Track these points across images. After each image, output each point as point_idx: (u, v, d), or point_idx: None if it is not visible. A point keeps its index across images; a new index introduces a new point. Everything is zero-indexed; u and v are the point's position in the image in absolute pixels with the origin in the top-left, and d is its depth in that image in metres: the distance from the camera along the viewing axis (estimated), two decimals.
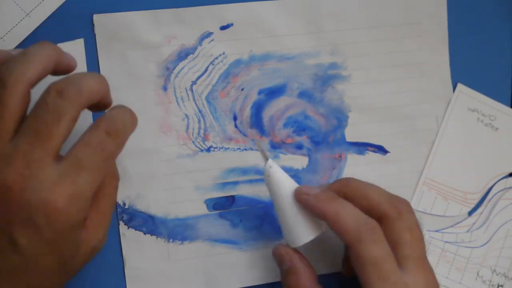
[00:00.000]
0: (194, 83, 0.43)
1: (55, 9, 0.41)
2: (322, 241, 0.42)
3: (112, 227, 0.41)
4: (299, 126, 0.44)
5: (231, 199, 0.43)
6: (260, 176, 0.43)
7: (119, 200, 0.41)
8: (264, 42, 0.43)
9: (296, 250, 0.38)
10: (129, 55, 0.42)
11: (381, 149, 0.45)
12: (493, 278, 0.45)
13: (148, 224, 0.42)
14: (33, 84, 0.32)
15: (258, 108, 0.43)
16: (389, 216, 0.36)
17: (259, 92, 0.43)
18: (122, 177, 0.40)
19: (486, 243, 0.45)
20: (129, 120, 0.35)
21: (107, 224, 0.35)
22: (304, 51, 0.44)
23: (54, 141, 0.30)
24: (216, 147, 0.43)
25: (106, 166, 0.33)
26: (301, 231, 0.37)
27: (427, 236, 0.44)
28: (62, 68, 0.34)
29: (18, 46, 0.40)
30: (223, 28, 0.43)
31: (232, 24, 0.43)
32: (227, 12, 0.43)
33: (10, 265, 0.30)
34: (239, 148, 0.43)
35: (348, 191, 0.38)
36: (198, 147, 0.43)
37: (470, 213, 0.45)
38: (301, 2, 0.44)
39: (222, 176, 0.43)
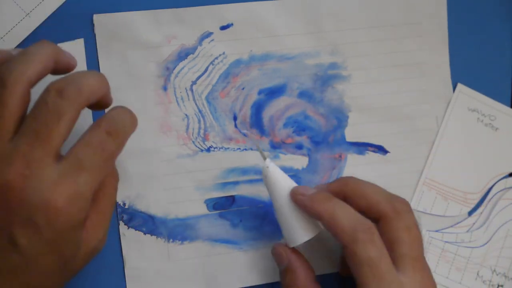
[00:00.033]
0: (194, 83, 0.43)
1: (55, 9, 0.41)
2: (320, 241, 0.42)
3: (112, 227, 0.41)
4: (299, 126, 0.44)
5: (231, 199, 0.43)
6: (260, 176, 0.43)
7: (119, 200, 0.41)
8: (264, 42, 0.43)
9: (294, 249, 0.38)
10: (129, 55, 0.42)
11: (381, 149, 0.45)
12: (493, 278, 0.45)
13: (148, 224, 0.42)
14: (33, 83, 0.31)
15: (258, 108, 0.43)
16: (387, 215, 0.36)
17: (259, 92, 0.43)
18: (122, 177, 0.40)
19: (486, 243, 0.45)
20: (129, 120, 0.34)
21: (107, 224, 0.35)
22: (304, 51, 0.44)
23: (54, 140, 0.30)
24: (216, 147, 0.43)
25: (106, 166, 0.32)
26: (299, 230, 0.37)
27: (426, 236, 0.44)
28: (62, 67, 0.34)
29: (18, 46, 0.40)
30: (223, 28, 0.43)
31: (232, 24, 0.43)
32: (227, 12, 0.43)
33: (10, 265, 0.30)
34: (239, 148, 0.43)
35: (347, 190, 0.38)
36: (198, 147, 0.43)
37: (470, 213, 0.45)
38: (301, 2, 0.44)
39: (222, 176, 0.43)
